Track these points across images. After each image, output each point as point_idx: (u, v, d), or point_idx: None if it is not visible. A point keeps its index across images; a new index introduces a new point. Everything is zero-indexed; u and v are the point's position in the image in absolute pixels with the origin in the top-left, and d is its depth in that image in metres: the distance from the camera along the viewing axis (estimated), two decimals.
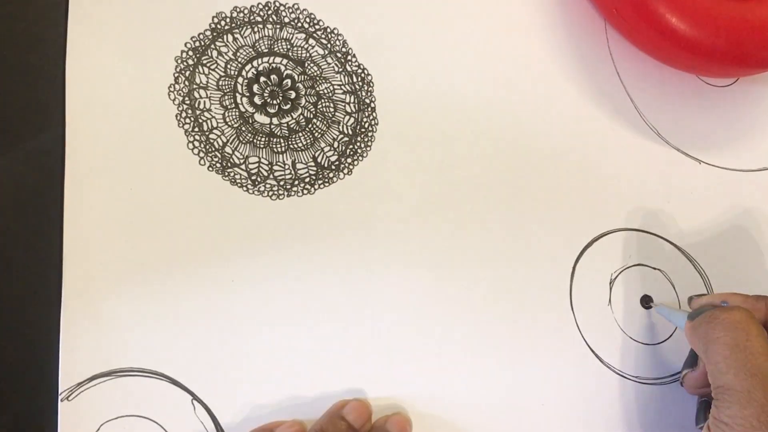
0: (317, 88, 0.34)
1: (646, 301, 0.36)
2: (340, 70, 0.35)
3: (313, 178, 0.34)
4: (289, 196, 0.33)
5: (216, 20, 0.34)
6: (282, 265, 0.32)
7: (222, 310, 0.31)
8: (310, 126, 0.34)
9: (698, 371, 0.32)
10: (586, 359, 0.35)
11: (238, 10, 0.34)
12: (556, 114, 0.38)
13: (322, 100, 0.34)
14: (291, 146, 0.34)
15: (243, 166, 0.33)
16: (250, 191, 0.33)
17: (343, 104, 0.35)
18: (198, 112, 0.33)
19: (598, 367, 0.35)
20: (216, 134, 0.33)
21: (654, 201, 0.38)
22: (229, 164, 0.33)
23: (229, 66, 0.33)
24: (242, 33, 0.34)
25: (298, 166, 0.34)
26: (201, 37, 0.33)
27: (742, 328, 0.27)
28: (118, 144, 0.32)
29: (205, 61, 0.33)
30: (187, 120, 0.32)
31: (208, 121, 0.33)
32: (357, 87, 0.35)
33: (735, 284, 0.38)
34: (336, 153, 0.34)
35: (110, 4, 0.33)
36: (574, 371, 0.34)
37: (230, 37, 0.34)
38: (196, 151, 0.32)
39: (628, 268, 0.37)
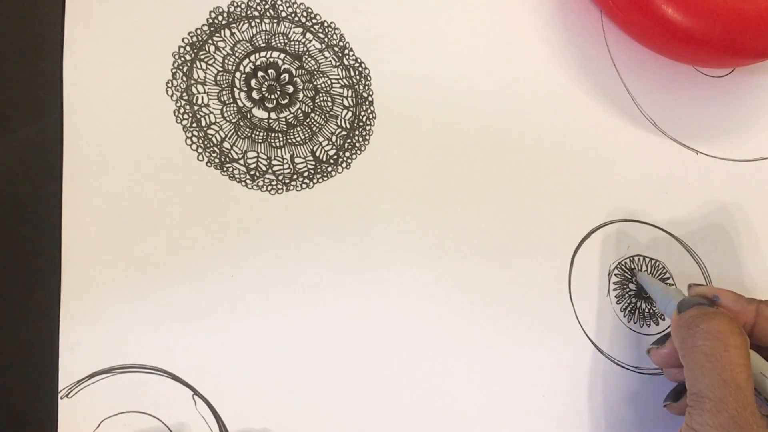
0: (315, 83, 0.34)
1: (632, 273, 0.36)
2: (338, 64, 0.35)
3: (312, 172, 0.34)
4: (287, 190, 0.33)
5: (213, 15, 0.34)
6: (281, 260, 0.32)
7: (222, 305, 0.31)
8: (308, 120, 0.34)
9: (665, 350, 0.32)
10: (586, 350, 0.35)
11: (235, 4, 0.34)
12: (552, 106, 0.38)
13: (320, 95, 0.34)
14: (289, 141, 0.34)
15: (241, 161, 0.33)
16: (249, 186, 0.33)
17: (341, 98, 0.35)
18: (196, 107, 0.33)
19: (598, 357, 0.35)
20: (214, 129, 0.33)
21: (651, 191, 0.38)
22: (227, 159, 0.33)
23: (226, 61, 0.33)
24: (239, 28, 0.34)
25: (297, 160, 0.33)
26: (198, 32, 0.33)
27: (721, 338, 0.27)
28: (116, 140, 0.31)
29: (202, 57, 0.33)
30: (185, 115, 0.32)
31: (206, 117, 0.33)
32: (354, 81, 0.35)
33: (732, 273, 0.38)
34: (334, 147, 0.34)
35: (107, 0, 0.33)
36: (573, 362, 0.35)
37: (227, 32, 0.34)
38: (194, 146, 0.32)
39: (626, 258, 0.37)
